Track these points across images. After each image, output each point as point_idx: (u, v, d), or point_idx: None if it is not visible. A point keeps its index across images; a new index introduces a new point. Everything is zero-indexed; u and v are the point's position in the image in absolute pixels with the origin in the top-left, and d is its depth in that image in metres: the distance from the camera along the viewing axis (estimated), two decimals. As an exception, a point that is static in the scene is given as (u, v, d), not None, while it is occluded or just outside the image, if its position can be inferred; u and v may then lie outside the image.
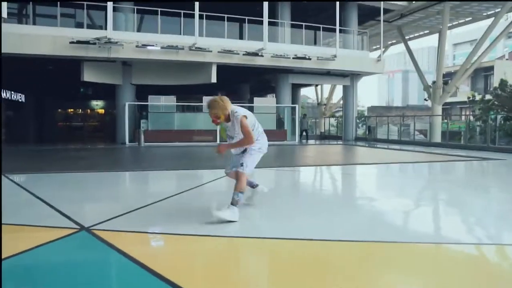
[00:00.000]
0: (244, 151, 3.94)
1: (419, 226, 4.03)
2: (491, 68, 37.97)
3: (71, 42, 14.65)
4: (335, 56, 18.43)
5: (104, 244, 3.04)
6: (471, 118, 22.46)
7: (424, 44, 54.89)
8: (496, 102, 23.39)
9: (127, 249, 2.88)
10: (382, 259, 2.92)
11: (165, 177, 7.73)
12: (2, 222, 3.59)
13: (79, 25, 15.98)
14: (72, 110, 29.20)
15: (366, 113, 35.78)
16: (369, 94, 76.74)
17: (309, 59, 17.96)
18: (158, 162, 10.68)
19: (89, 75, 16.49)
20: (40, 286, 2.37)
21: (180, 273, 2.54)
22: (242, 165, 3.83)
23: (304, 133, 20.77)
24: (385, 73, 43.89)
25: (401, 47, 28.30)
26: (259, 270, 2.79)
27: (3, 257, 2.67)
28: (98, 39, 14.98)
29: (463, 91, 37.26)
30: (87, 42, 14.86)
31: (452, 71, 32.94)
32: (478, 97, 29.53)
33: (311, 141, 20.57)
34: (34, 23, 15.54)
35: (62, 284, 2.39)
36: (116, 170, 8.64)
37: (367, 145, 17.61)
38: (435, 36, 24.38)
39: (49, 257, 2.89)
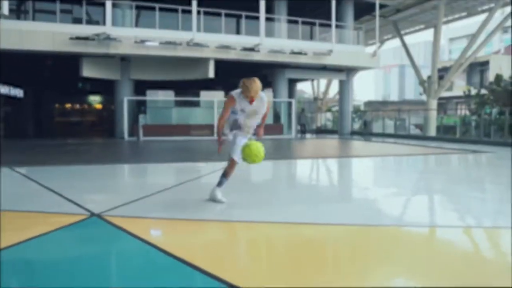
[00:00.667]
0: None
1: (408, 211, 4.33)
2: (487, 63, 38.21)
3: (71, 38, 14.83)
4: (331, 51, 18.66)
5: (115, 227, 3.30)
6: (466, 112, 22.72)
7: (420, 39, 54.99)
8: (491, 97, 23.62)
9: (137, 231, 3.15)
10: (373, 240, 3.19)
11: (166, 169, 7.98)
12: (17, 209, 3.86)
13: (77, 21, 16.12)
14: (70, 105, 29.37)
15: (362, 108, 36.04)
16: (366, 89, 76.98)
17: (306, 54, 18.18)
18: (158, 155, 10.91)
19: (88, 71, 16.67)
20: (60, 266, 2.62)
21: (187, 251, 2.79)
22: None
23: (301, 127, 20.97)
24: (381, 68, 44.09)
25: (398, 41, 28.47)
26: (259, 250, 3.07)
27: (22, 240, 2.92)
28: (97, 35, 15.16)
29: (459, 86, 37.51)
30: (86, 38, 15.05)
31: (448, 65, 33.07)
32: (473, 92, 29.76)
33: (307, 135, 20.82)
34: (33, 19, 15.67)
35: (79, 264, 2.65)
36: (118, 163, 8.88)
37: (363, 139, 17.88)
38: (431, 31, 24.59)
39: (66, 239, 3.15)
